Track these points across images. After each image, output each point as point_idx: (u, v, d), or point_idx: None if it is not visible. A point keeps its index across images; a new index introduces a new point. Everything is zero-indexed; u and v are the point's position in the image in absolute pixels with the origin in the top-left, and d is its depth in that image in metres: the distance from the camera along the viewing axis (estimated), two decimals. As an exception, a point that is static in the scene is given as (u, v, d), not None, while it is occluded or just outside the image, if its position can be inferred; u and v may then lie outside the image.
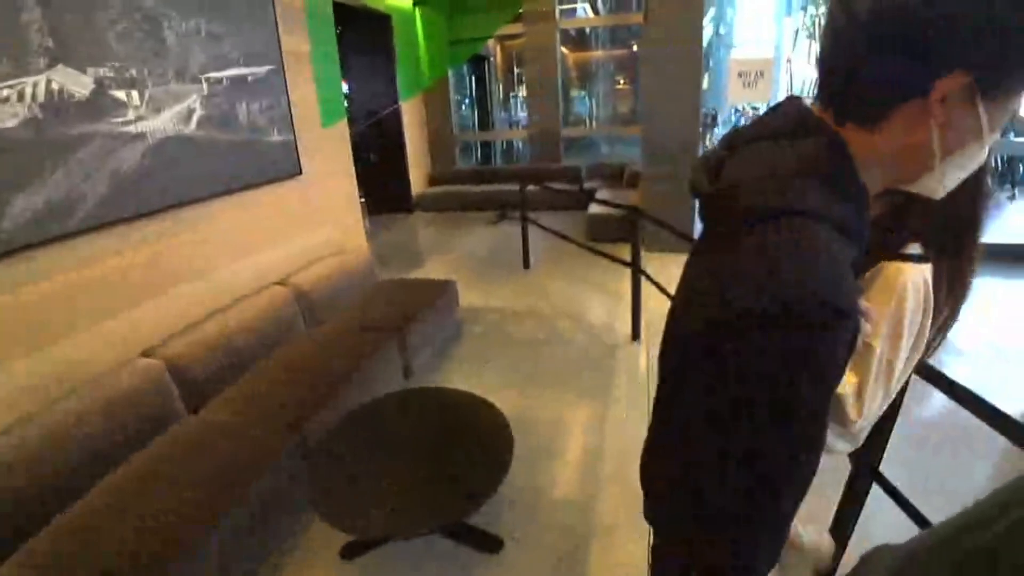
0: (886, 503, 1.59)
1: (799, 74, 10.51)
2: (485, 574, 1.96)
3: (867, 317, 0.72)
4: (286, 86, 3.23)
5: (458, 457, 2.01)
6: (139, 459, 2.04)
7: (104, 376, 2.16)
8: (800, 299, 0.51)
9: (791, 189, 0.58)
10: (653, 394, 0.68)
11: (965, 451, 2.31)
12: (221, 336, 2.58)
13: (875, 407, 0.94)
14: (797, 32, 9.88)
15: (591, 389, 2.96)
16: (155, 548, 1.67)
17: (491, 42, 8.86)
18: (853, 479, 1.71)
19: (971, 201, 0.82)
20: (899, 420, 1.74)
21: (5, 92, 1.90)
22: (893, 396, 0.97)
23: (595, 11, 9.79)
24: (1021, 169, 6.71)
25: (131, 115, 2.33)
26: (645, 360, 3.24)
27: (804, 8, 9.97)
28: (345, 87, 5.46)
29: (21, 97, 1.95)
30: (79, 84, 2.14)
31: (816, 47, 10.72)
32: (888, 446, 1.59)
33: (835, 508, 1.74)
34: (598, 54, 10.02)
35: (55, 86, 2.05)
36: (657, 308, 3.27)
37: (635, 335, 3.52)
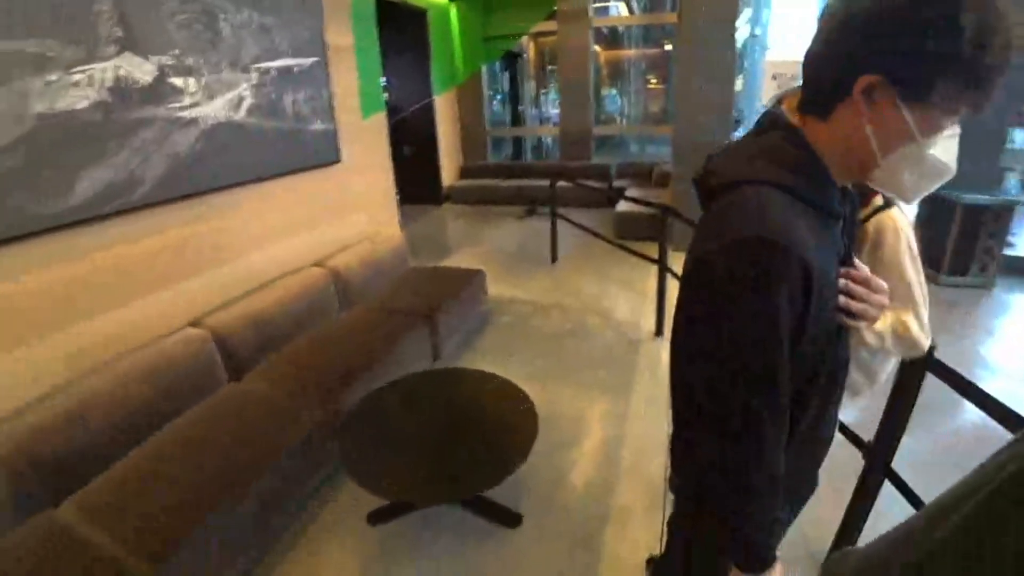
0: (900, 503, 1.61)
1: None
2: (503, 547, 2.05)
3: (856, 277, 0.85)
4: (329, 78, 3.36)
5: (484, 433, 2.11)
6: (186, 419, 2.20)
7: (156, 342, 2.31)
8: (751, 237, 0.69)
9: (749, 166, 0.76)
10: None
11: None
12: (262, 311, 2.72)
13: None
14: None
15: (613, 382, 3.02)
16: (196, 499, 1.81)
17: (524, 39, 8.92)
18: (866, 474, 1.74)
19: None
20: (926, 430, 1.77)
21: (78, 76, 2.05)
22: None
23: (629, 10, 9.78)
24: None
25: (187, 101, 2.48)
26: (667, 356, 3.28)
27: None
28: (382, 80, 5.59)
29: (91, 82, 2.10)
30: (142, 71, 2.29)
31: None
32: (917, 458, 1.59)
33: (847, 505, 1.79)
34: (631, 53, 10.00)
35: (122, 72, 2.20)
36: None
37: (659, 331, 3.57)
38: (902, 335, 1.10)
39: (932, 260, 4.24)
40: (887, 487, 1.67)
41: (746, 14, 8.76)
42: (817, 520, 1.94)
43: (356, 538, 2.12)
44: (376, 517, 2.17)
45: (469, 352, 3.46)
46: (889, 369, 1.36)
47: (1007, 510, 0.41)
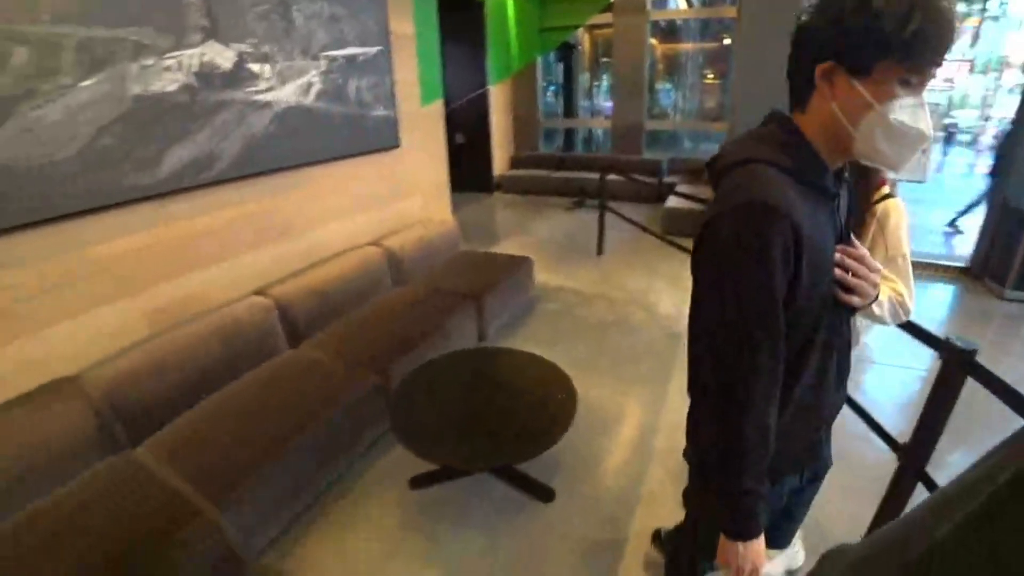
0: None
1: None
2: (535, 519, 2.13)
3: (851, 254, 0.95)
4: (391, 66, 3.49)
5: (525, 409, 2.20)
6: (249, 377, 2.39)
7: (225, 306, 2.50)
8: (748, 201, 0.83)
9: (751, 150, 0.91)
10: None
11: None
12: (321, 284, 2.89)
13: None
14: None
15: (652, 374, 3.04)
16: (255, 449, 1.97)
17: (580, 30, 8.88)
18: (898, 478, 1.73)
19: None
20: (963, 435, 1.74)
21: (169, 62, 2.23)
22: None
23: (688, 3, 9.57)
24: None
25: (262, 86, 2.64)
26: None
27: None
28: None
29: (180, 67, 2.28)
30: (224, 57, 2.46)
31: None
32: (953, 462, 1.56)
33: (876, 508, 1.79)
34: (688, 46, 9.78)
35: (206, 58, 2.37)
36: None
37: (700, 325, 3.56)
38: (898, 303, 1.22)
39: (996, 274, 4.05)
40: (920, 489, 1.67)
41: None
42: (850, 516, 1.95)
43: (397, 499, 2.25)
44: (417, 482, 2.30)
45: (513, 335, 3.55)
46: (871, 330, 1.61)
47: (1007, 510, 0.41)
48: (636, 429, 2.62)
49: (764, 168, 0.86)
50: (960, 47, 10.26)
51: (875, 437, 2.22)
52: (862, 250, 0.97)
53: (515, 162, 8.24)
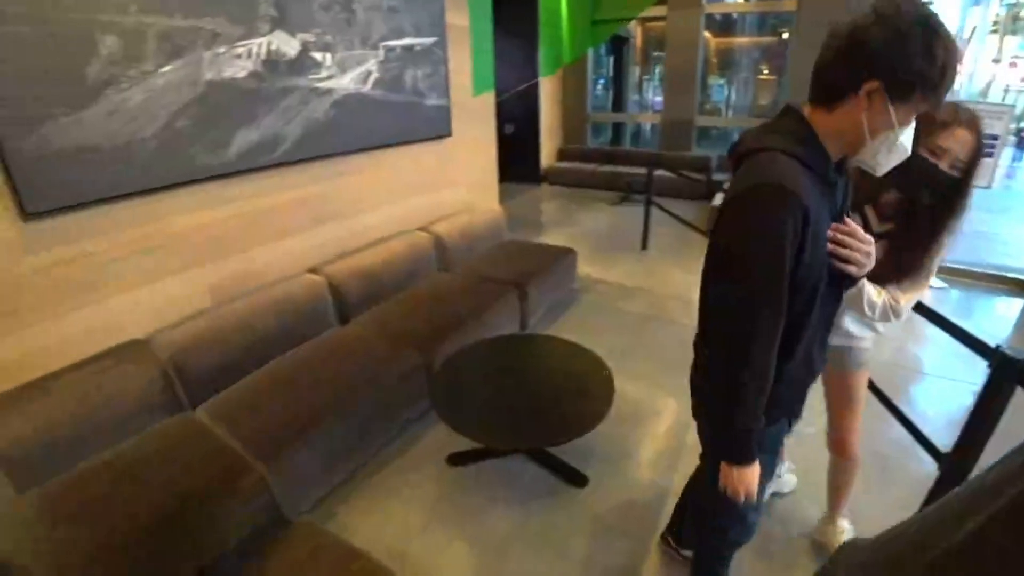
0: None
1: (981, 73, 9.20)
2: (566, 503, 2.17)
3: (843, 229, 1.07)
4: (446, 56, 3.53)
5: (563, 394, 2.22)
6: (300, 350, 2.50)
7: (281, 282, 2.62)
8: (767, 183, 0.96)
9: (767, 139, 1.02)
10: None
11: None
12: (371, 266, 2.99)
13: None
14: (975, 28, 8.67)
15: (689, 368, 2.99)
16: (304, 416, 2.07)
17: (632, 23, 8.72)
18: (939, 485, 1.68)
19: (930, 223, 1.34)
20: (1007, 447, 1.67)
21: (239, 50, 2.33)
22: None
23: (747, -4, 9.25)
24: None
25: (324, 74, 2.73)
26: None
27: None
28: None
29: (249, 55, 2.38)
30: (289, 46, 2.55)
31: (1006, 44, 9.31)
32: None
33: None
34: (743, 40, 9.46)
35: (273, 47, 2.47)
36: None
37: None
38: (889, 306, 1.36)
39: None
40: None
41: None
42: (887, 525, 1.90)
43: (435, 474, 2.32)
44: (455, 459, 2.36)
45: (554, 324, 3.57)
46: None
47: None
48: (670, 422, 2.61)
49: (779, 156, 0.98)
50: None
51: (920, 450, 2.15)
52: (853, 226, 1.08)
53: (562, 154, 8.21)
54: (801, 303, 1.05)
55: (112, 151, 1.99)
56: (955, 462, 1.61)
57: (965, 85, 8.44)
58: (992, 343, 1.48)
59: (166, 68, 2.09)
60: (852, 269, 1.08)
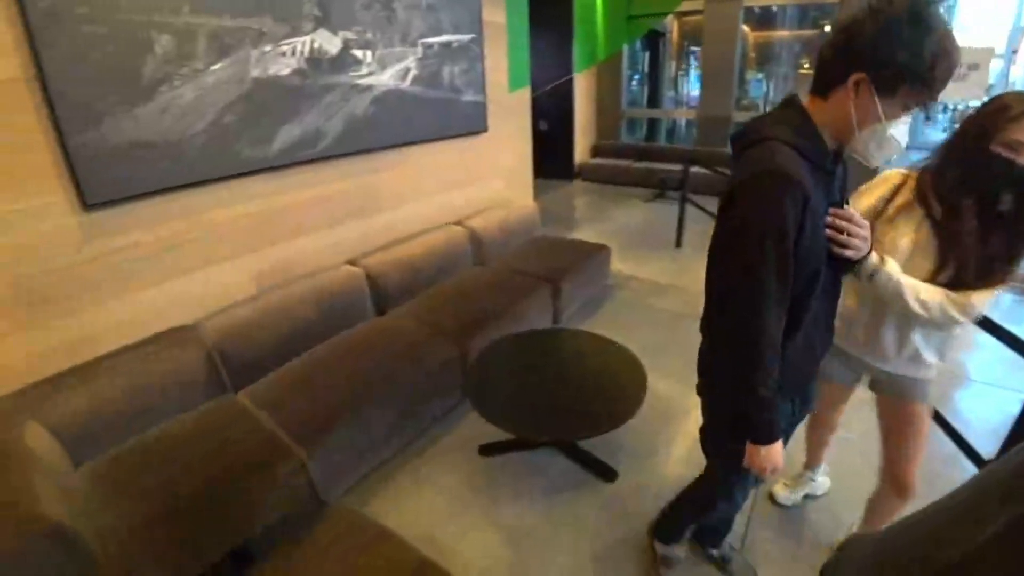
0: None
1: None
2: (594, 497, 2.16)
3: (839, 215, 1.11)
4: (483, 53, 3.53)
5: (596, 389, 2.21)
6: (339, 339, 2.55)
7: (320, 273, 2.67)
8: (770, 169, 1.00)
9: (768, 129, 1.06)
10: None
11: None
12: (408, 258, 3.02)
13: None
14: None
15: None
16: (341, 403, 2.11)
17: (669, 18, 8.54)
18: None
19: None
20: None
21: (284, 48, 2.38)
22: None
23: (789, -11, 8.93)
24: None
25: (364, 71, 2.76)
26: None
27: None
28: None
29: (293, 53, 2.42)
30: (332, 44, 2.59)
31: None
32: None
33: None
34: (783, 34, 9.14)
35: (316, 45, 2.51)
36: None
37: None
38: (953, 303, 1.27)
39: None
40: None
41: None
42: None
43: (466, 463, 2.34)
44: (487, 450, 2.37)
45: (587, 320, 3.55)
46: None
47: None
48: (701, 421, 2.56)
49: (779, 146, 1.02)
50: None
51: (964, 458, 2.06)
52: (850, 212, 1.12)
53: (596, 151, 8.13)
54: (801, 286, 1.09)
55: (164, 146, 2.06)
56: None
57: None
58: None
59: (215, 66, 2.15)
60: (849, 253, 1.12)
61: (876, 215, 1.41)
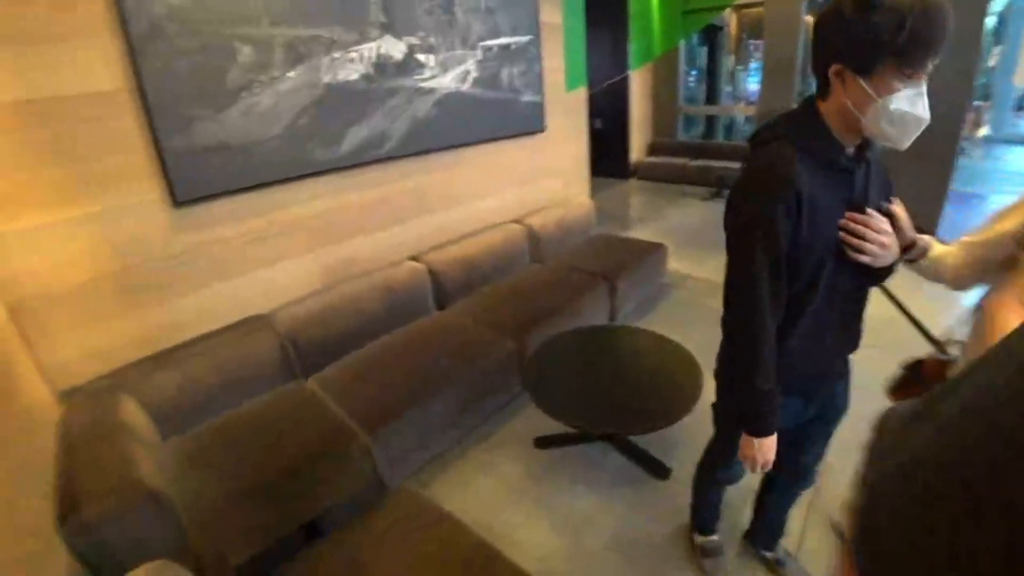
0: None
1: None
2: (647, 493, 2.13)
3: (855, 218, 1.08)
4: (540, 54, 3.54)
5: (652, 385, 2.19)
6: (401, 332, 2.63)
7: (385, 268, 2.76)
8: (756, 167, 1.07)
9: (779, 129, 1.08)
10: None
11: None
12: (468, 255, 3.07)
13: None
14: None
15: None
16: (405, 392, 2.18)
17: (727, 11, 8.25)
18: None
19: None
20: None
21: (353, 54, 2.47)
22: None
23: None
24: None
25: (427, 74, 2.83)
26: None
27: None
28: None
29: (361, 58, 2.51)
30: (396, 49, 2.66)
31: None
32: None
33: None
34: (853, 26, 8.67)
35: (382, 51, 2.59)
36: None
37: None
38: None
39: None
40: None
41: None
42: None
43: (523, 455, 2.36)
44: (542, 442, 2.39)
45: (643, 318, 3.50)
46: None
47: None
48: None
49: (784, 145, 1.04)
50: None
51: None
52: (868, 216, 1.08)
53: (652, 148, 7.96)
54: (803, 280, 1.10)
55: (244, 148, 2.19)
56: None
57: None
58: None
59: (291, 73, 2.26)
60: (865, 258, 1.09)
61: (1019, 242, 1.09)
